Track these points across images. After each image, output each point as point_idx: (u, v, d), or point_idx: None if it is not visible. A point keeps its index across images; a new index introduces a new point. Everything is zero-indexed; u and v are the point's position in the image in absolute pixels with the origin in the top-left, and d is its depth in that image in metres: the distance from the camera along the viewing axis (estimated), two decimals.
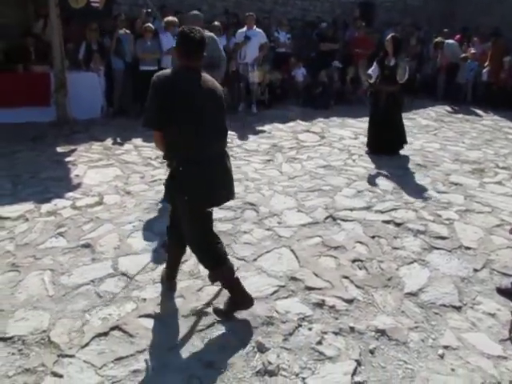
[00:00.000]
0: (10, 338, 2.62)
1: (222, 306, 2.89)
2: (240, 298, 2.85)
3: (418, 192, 5.01)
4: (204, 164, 2.61)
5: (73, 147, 6.11)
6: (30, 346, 2.56)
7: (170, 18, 7.95)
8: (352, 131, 7.50)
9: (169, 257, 3.09)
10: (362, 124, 6.97)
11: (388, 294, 3.21)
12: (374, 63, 6.11)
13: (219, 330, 2.76)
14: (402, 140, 6.28)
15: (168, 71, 2.63)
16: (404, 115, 8.18)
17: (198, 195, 2.62)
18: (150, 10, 8.52)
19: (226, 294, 2.93)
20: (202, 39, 2.58)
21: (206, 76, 2.67)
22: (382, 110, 6.07)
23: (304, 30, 11.25)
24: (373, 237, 3.94)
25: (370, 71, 5.99)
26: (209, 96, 2.62)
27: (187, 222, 2.73)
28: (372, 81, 6.02)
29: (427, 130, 8.04)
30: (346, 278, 3.34)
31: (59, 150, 6.06)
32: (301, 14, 12.32)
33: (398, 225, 4.22)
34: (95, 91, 7.71)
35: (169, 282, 3.10)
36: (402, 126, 6.29)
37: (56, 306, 2.91)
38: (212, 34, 4.98)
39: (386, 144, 6.13)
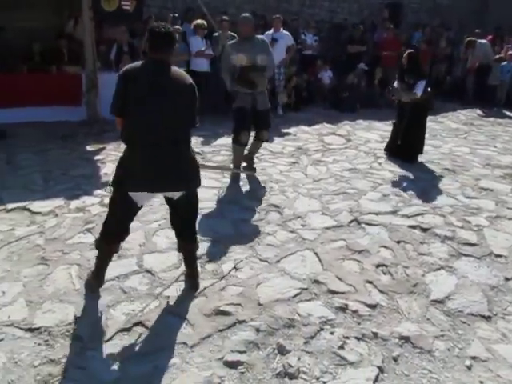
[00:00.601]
0: (37, 329, 2.69)
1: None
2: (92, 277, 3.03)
3: (446, 197, 4.92)
4: (148, 151, 2.68)
5: (102, 146, 6.23)
6: (55, 338, 2.63)
7: (199, 21, 8.04)
8: (378, 134, 7.42)
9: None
10: (388, 127, 6.86)
11: (413, 300, 3.16)
12: (396, 77, 6.08)
13: (241, 330, 2.76)
14: (418, 148, 6.13)
15: (137, 63, 2.76)
16: (432, 118, 8.12)
17: (120, 178, 2.76)
18: (176, 15, 8.63)
19: None
20: (167, 34, 2.70)
21: (174, 68, 2.77)
22: (406, 116, 5.98)
23: (331, 32, 11.21)
24: (398, 242, 3.89)
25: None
26: (170, 87, 2.70)
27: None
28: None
29: (456, 134, 7.88)
30: (370, 282, 3.30)
31: (89, 148, 6.20)
32: (328, 16, 12.26)
33: (424, 230, 4.15)
34: None
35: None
36: (423, 135, 6.16)
37: (81, 300, 2.97)
38: (263, 37, 5.13)
39: (402, 149, 6.02)
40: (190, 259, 3.13)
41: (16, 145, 6.09)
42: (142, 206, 2.96)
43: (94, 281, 3.04)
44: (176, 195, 2.86)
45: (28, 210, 4.23)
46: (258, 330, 2.76)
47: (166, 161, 2.72)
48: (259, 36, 5.16)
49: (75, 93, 7.37)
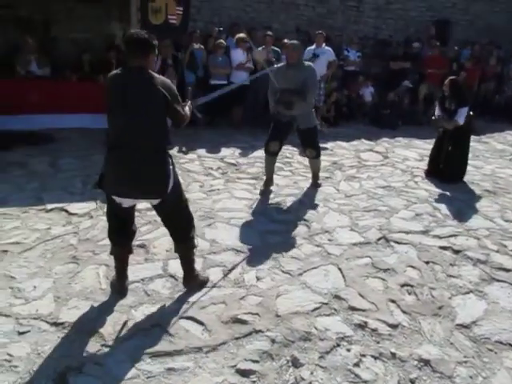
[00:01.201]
0: (62, 324, 2.80)
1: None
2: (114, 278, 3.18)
3: (483, 219, 4.75)
4: (116, 153, 2.77)
5: None
6: (77, 333, 2.73)
7: (241, 35, 8.22)
8: (418, 153, 7.28)
9: None
10: (429, 146, 6.70)
11: (437, 323, 3.07)
12: (437, 103, 5.96)
13: (256, 339, 2.77)
14: (461, 171, 5.97)
15: (117, 70, 2.82)
16: (477, 139, 7.91)
17: (100, 179, 2.88)
18: (221, 28, 8.84)
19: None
20: (140, 40, 2.73)
21: (151, 74, 2.76)
22: (447, 140, 5.85)
23: (375, 48, 11.14)
24: (427, 262, 3.79)
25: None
26: (143, 93, 2.71)
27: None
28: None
29: (501, 155, 7.60)
30: (393, 301, 3.23)
31: None
32: (373, 33, 12.19)
33: (456, 252, 4.02)
34: None
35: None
36: (466, 158, 5.99)
37: (106, 299, 3.07)
38: (311, 64, 5.18)
39: (443, 172, 5.88)
40: (182, 261, 3.20)
41: (61, 149, 6.39)
42: (132, 209, 3.04)
43: (117, 281, 3.16)
44: (153, 202, 2.95)
45: (65, 210, 4.43)
46: (273, 341, 2.76)
47: (133, 166, 2.75)
48: (307, 63, 5.17)
49: None
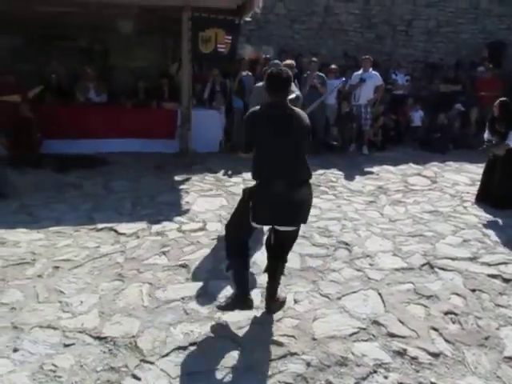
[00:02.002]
0: (104, 338, 2.92)
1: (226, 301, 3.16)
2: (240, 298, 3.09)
3: None
4: (270, 186, 2.86)
5: (188, 176, 6.64)
6: (118, 348, 2.83)
7: (288, 61, 8.31)
8: (468, 177, 7.04)
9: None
10: (481, 170, 6.47)
11: (483, 354, 2.94)
12: (487, 126, 5.78)
13: (291, 362, 2.77)
14: None
15: (258, 107, 2.95)
16: None
17: (253, 210, 2.91)
18: (269, 56, 9.06)
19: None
20: (284, 78, 2.86)
21: (291, 108, 2.93)
22: (499, 164, 5.65)
23: (425, 71, 10.99)
24: (473, 290, 3.65)
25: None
26: (290, 127, 2.88)
27: (233, 216, 3.12)
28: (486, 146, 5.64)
29: None
30: (435, 330, 3.13)
31: (177, 178, 6.63)
32: (423, 56, 12.06)
33: (506, 281, 3.85)
34: (216, 127, 8.34)
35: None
36: None
37: (147, 316, 3.17)
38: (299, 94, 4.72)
39: (494, 197, 5.65)
40: (272, 283, 3.22)
41: (114, 172, 6.72)
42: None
43: (240, 300, 3.13)
44: (289, 228, 3.03)
45: (114, 230, 4.63)
46: (308, 364, 2.75)
47: (286, 197, 2.88)
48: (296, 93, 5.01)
49: (171, 127, 7.98)
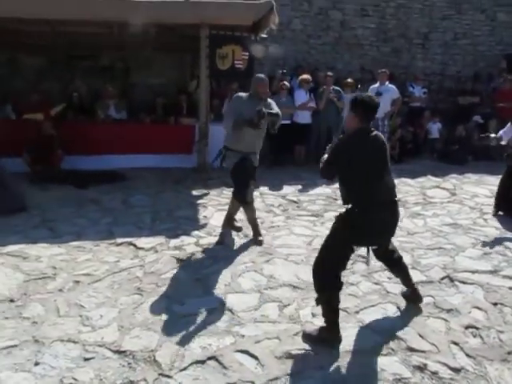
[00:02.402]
0: (124, 352, 2.95)
1: (311, 332, 3.09)
2: (327, 334, 3.02)
3: None
4: (372, 209, 2.96)
5: (206, 191, 6.70)
6: (137, 361, 2.86)
7: (305, 76, 8.45)
8: (488, 189, 6.93)
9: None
10: None
11: (505, 368, 2.88)
12: (508, 124, 5.67)
13: (309, 376, 2.75)
14: None
15: (351, 135, 3.07)
16: None
17: (359, 234, 3.00)
18: (285, 71, 9.14)
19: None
20: (375, 106, 3.03)
21: (376, 132, 3.06)
22: None
23: (442, 83, 10.95)
24: (495, 304, 3.58)
25: (501, 132, 5.53)
26: (381, 151, 3.02)
27: (329, 247, 3.10)
28: (504, 143, 5.53)
29: None
30: (456, 344, 3.08)
31: (195, 193, 6.70)
32: (440, 69, 12.01)
33: None
34: None
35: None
36: None
37: (165, 330, 3.19)
38: (279, 111, 4.59)
39: None
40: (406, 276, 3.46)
41: (133, 187, 6.82)
42: None
43: (332, 335, 3.04)
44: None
45: (134, 245, 4.69)
46: (326, 380, 2.72)
47: (387, 218, 3.04)
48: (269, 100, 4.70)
49: (188, 142, 8.07)
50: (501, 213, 5.73)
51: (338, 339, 3.02)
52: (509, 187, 5.69)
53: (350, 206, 3.03)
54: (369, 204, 2.96)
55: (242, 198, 4.67)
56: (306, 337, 3.08)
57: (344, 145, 3.04)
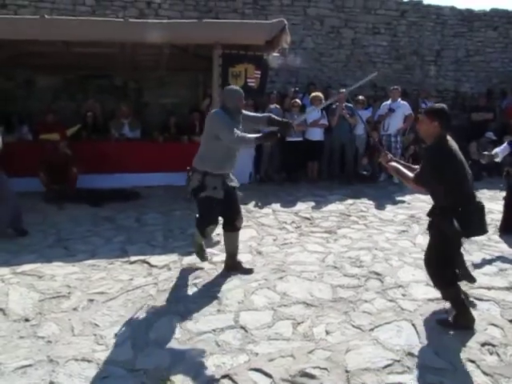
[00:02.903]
0: (137, 371, 2.94)
1: (449, 318, 3.50)
2: (463, 320, 3.41)
3: None
4: (472, 206, 3.31)
5: None
6: (151, 380, 2.85)
7: (314, 93, 8.52)
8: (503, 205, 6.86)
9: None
10: None
11: None
12: (505, 143, 5.63)
13: None
14: None
15: (448, 142, 3.32)
16: None
17: (469, 229, 3.31)
18: (297, 89, 9.23)
19: None
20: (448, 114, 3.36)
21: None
22: None
23: (455, 100, 10.94)
24: (511, 321, 3.52)
25: (497, 149, 5.49)
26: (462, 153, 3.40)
27: (440, 248, 3.43)
28: (499, 160, 5.49)
29: None
30: (472, 361, 3.03)
31: None
32: (453, 85, 12.03)
33: None
34: (245, 159, 8.43)
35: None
36: None
37: (179, 348, 3.19)
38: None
39: None
40: None
41: (146, 205, 6.89)
42: None
43: (467, 318, 3.45)
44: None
45: (147, 262, 4.72)
46: None
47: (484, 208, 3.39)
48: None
49: None
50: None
51: (472, 320, 3.42)
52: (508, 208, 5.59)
53: (447, 205, 3.32)
54: (471, 197, 3.32)
55: (200, 232, 4.39)
56: (444, 323, 3.47)
57: (444, 151, 3.28)
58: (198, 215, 4.40)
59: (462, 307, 3.43)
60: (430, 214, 3.58)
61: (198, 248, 4.61)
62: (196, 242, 4.59)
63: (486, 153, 5.55)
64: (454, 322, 3.45)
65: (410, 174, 3.48)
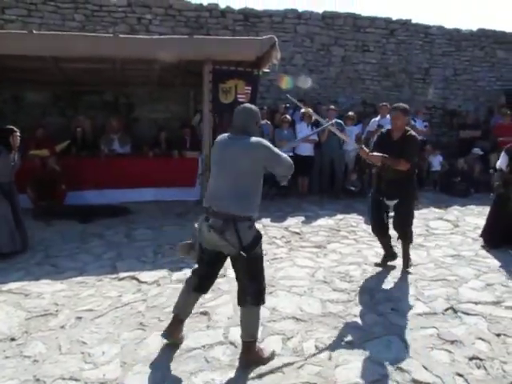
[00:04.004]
0: None
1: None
2: None
3: None
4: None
5: None
6: None
7: (303, 110, 8.59)
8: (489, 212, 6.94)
9: None
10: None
11: None
12: (503, 153, 5.75)
13: None
14: None
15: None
16: None
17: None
18: (288, 105, 9.32)
19: None
20: None
21: None
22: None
23: (443, 117, 11.13)
24: (498, 335, 3.55)
25: (499, 164, 5.61)
26: None
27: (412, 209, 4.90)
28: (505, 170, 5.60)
29: None
30: (460, 375, 3.05)
31: (197, 225, 6.68)
32: (441, 103, 12.24)
33: None
34: None
35: None
36: None
37: (168, 365, 3.17)
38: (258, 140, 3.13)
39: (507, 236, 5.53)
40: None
41: (136, 220, 6.87)
42: None
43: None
44: None
45: (136, 279, 4.69)
46: None
47: None
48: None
49: (191, 175, 8.17)
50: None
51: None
52: (497, 218, 5.66)
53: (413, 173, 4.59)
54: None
55: (262, 302, 3.32)
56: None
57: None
58: (250, 282, 3.28)
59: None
60: (403, 185, 4.53)
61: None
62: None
63: (497, 183, 5.64)
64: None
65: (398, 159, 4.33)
